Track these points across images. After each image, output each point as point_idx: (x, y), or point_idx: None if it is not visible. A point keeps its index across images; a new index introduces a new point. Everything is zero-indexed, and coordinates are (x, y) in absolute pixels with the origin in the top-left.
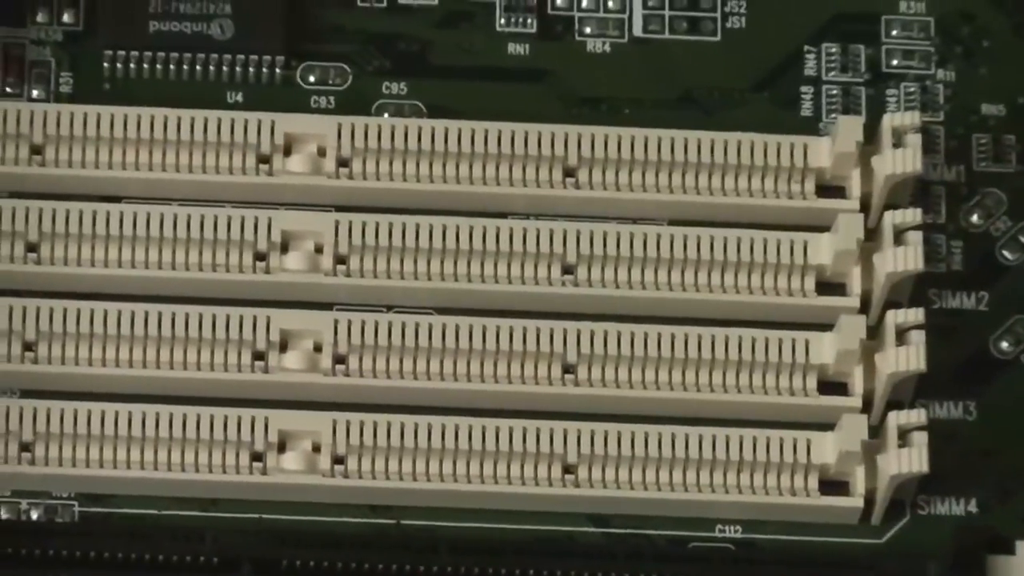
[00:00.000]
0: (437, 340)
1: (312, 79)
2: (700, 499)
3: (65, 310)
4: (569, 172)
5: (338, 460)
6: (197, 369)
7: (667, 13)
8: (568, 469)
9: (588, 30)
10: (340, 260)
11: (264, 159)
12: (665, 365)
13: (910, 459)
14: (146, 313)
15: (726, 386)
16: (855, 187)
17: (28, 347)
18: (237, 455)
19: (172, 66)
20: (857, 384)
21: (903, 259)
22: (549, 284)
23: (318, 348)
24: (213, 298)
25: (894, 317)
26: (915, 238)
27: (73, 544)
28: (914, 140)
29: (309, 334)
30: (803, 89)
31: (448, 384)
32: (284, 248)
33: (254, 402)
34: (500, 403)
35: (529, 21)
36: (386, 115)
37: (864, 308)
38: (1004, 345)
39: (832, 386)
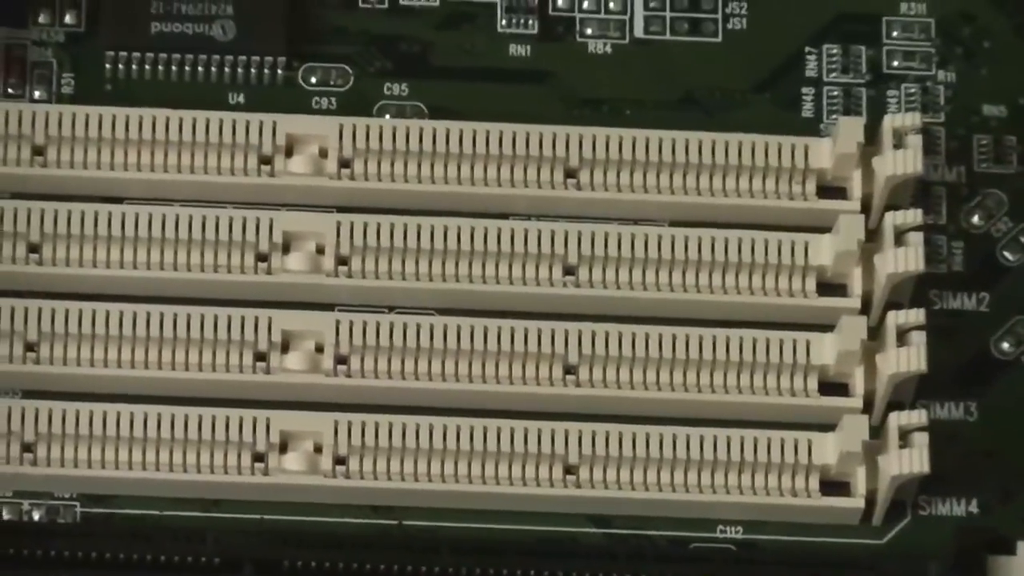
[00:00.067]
0: (438, 341)
1: (314, 80)
2: (701, 500)
3: (67, 311)
4: (570, 173)
5: (340, 461)
6: (199, 370)
7: (668, 14)
8: (569, 470)
9: (589, 31)
10: (342, 261)
11: (266, 160)
12: (666, 366)
13: (911, 460)
14: (148, 314)
15: (727, 387)
16: (856, 188)
17: (30, 348)
18: (239, 456)
19: (174, 67)
20: (858, 385)
21: (904, 260)
22: (550, 285)
23: (319, 349)
24: (215, 299)
25: (895, 318)
26: (916, 239)
27: (75, 545)
28: (915, 141)
29: (311, 335)
30: (804, 90)
31: (449, 385)
32: (286, 249)
33: (256, 403)
34: (501, 404)
35: (530, 22)
36: (387, 116)
37: (865, 309)
38: (1005, 346)
39: (833, 387)
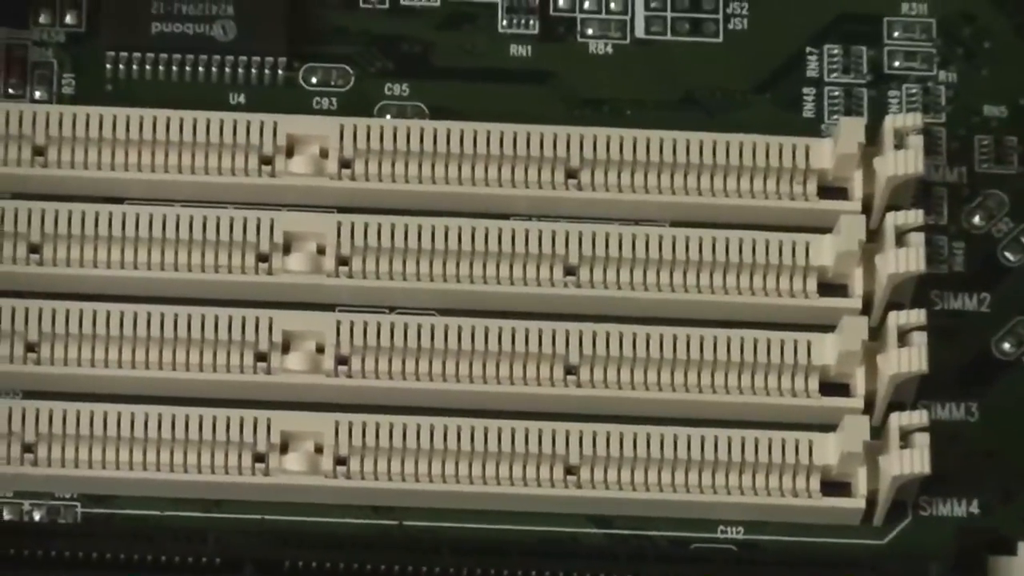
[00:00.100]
0: (439, 341)
1: (314, 80)
2: (702, 500)
3: (67, 311)
4: (571, 173)
5: (340, 461)
6: (199, 370)
7: (669, 15)
8: (570, 470)
9: (590, 31)
10: (342, 261)
11: (266, 160)
12: (667, 366)
13: (912, 460)
14: (148, 314)
15: (728, 387)
16: (857, 188)
17: (31, 348)
18: (239, 456)
19: (174, 67)
20: (859, 385)
21: (905, 260)
22: (551, 285)
23: (320, 349)
24: (215, 299)
25: (896, 318)
26: (917, 239)
27: (75, 545)
28: (916, 141)
29: (311, 335)
30: (805, 90)
31: (450, 385)
32: (286, 249)
33: (256, 403)
34: (502, 404)
35: (531, 22)
36: (388, 116)
37: (866, 309)
38: (1006, 346)
39: (834, 387)
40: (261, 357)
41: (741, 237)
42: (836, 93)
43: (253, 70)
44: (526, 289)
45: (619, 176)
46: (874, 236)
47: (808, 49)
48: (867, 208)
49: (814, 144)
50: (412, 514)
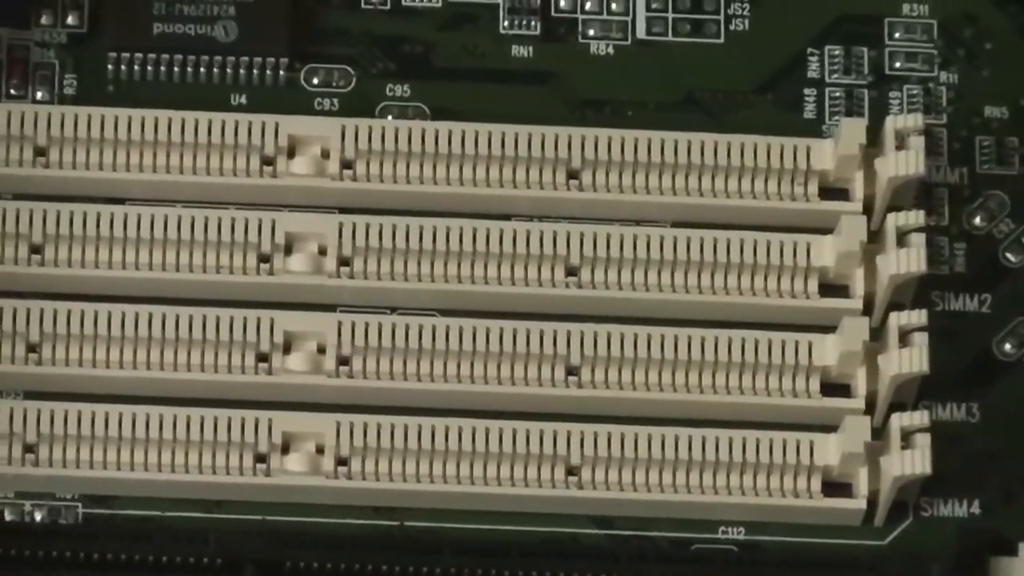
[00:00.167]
0: (440, 342)
1: (316, 81)
2: (703, 501)
3: (69, 312)
4: (573, 174)
5: (341, 462)
6: (201, 371)
7: (670, 15)
8: (572, 471)
9: (592, 32)
10: (344, 262)
11: (268, 161)
12: (668, 367)
13: (913, 461)
14: (150, 315)
15: (729, 388)
16: (858, 189)
17: (32, 349)
18: (241, 457)
19: (176, 68)
20: (860, 386)
21: (906, 261)
22: (553, 286)
23: (322, 350)
24: (217, 300)
25: (897, 319)
26: (918, 240)
27: (77, 546)
28: (917, 142)
29: (313, 336)
30: (806, 91)
31: (451, 386)
32: (288, 250)
33: (258, 404)
34: (503, 405)
35: (533, 23)
36: (390, 117)
37: (867, 310)
38: (1007, 347)
39: (835, 388)
40: (262, 358)
41: (742, 238)
42: (837, 94)
43: (255, 71)
44: (527, 290)
45: (620, 177)
46: (875, 237)
47: (809, 50)
48: (868, 209)
49: (815, 145)
50: (413, 515)
